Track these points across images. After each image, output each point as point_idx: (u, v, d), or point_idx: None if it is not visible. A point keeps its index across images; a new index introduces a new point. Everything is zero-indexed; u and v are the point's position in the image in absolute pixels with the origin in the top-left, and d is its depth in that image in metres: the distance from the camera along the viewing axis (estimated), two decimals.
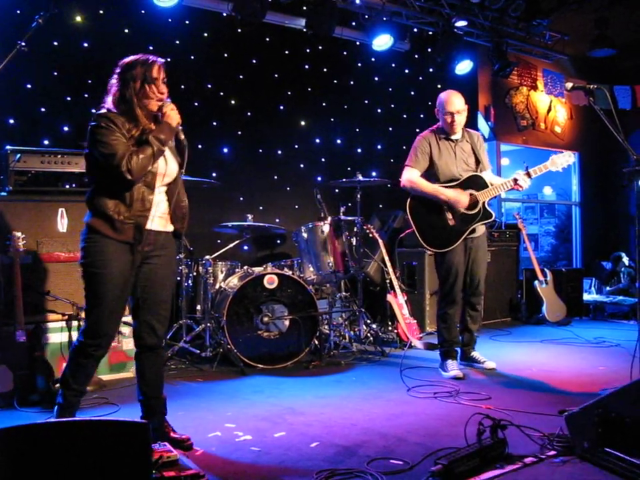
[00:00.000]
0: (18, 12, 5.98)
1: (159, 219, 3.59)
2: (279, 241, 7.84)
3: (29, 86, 6.14)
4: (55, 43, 6.32)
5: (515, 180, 5.22)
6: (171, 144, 3.65)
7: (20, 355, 4.55)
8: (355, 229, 6.56)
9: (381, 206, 8.58)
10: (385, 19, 7.93)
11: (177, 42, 7.11)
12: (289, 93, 7.96)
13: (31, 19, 4.46)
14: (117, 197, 3.40)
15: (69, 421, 2.62)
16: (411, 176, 5.35)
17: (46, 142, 6.11)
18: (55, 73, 6.29)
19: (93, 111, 3.51)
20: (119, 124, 3.39)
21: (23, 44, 4.39)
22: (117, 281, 3.41)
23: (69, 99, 6.38)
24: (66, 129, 6.33)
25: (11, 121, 6.04)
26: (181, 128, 3.64)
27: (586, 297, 9.15)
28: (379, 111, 8.79)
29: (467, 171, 5.33)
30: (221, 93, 7.46)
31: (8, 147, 5.23)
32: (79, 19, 6.45)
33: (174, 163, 3.63)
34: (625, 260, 9.74)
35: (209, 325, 5.81)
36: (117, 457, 2.37)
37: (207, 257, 6.11)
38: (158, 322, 3.62)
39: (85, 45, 6.50)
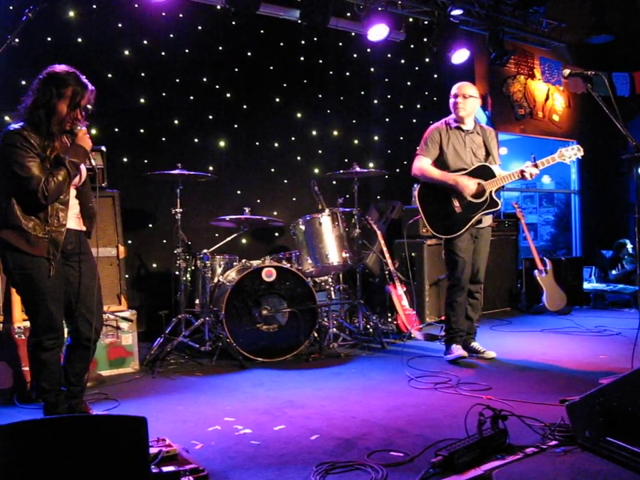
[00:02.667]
0: (11, 8, 5.94)
1: (75, 219, 3.70)
2: (276, 234, 7.81)
3: (23, 82, 6.09)
4: (49, 39, 6.28)
5: (522, 172, 5.23)
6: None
7: (20, 351, 4.55)
8: (353, 221, 6.53)
9: (378, 197, 8.56)
10: (380, 8, 7.88)
11: (171, 35, 7.06)
12: (285, 85, 7.92)
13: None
14: (32, 212, 3.47)
15: (66, 416, 2.60)
16: (422, 164, 5.41)
17: None
18: None
19: (14, 126, 3.48)
20: (34, 142, 3.41)
21: (13, 39, 4.34)
22: (48, 280, 3.53)
23: None
24: None
25: (6, 118, 5.99)
26: (92, 153, 3.68)
27: (586, 285, 9.13)
28: (375, 102, 8.76)
29: (476, 160, 5.41)
30: (217, 87, 7.42)
31: None
32: (72, 14, 6.41)
33: (83, 169, 3.69)
34: (629, 247, 9.71)
35: (207, 319, 5.79)
36: (115, 452, 2.35)
37: (205, 250, 6.08)
38: (91, 313, 3.67)
39: (79, 40, 6.46)
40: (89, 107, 3.63)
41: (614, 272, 9.66)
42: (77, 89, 3.51)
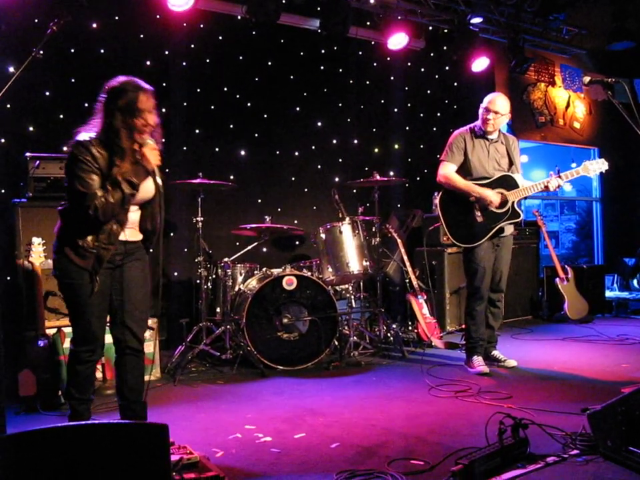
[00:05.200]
0: (36, 21, 6.01)
1: (130, 230, 3.64)
2: (297, 242, 7.83)
3: (47, 93, 6.18)
4: (72, 50, 6.35)
5: (547, 184, 5.22)
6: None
7: (43, 358, 4.59)
8: (374, 229, 6.54)
9: (399, 205, 8.55)
10: (399, 17, 7.89)
11: (192, 46, 7.12)
12: (305, 94, 7.95)
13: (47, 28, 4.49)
14: (86, 223, 3.39)
15: (88, 424, 2.63)
16: (447, 171, 5.39)
17: (65, 148, 6.13)
18: (73, 80, 6.32)
19: (83, 137, 3.41)
20: (99, 156, 3.34)
21: (38, 51, 4.40)
22: (90, 289, 3.46)
23: (86, 105, 6.37)
24: None
25: (30, 128, 6.08)
26: (158, 170, 3.53)
27: (608, 293, 9.06)
28: (396, 110, 8.75)
29: (499, 170, 5.40)
30: (237, 96, 7.46)
31: (27, 154, 5.31)
32: (94, 25, 6.48)
33: (150, 183, 3.56)
34: None
35: (228, 327, 5.82)
36: (137, 460, 2.37)
37: (226, 259, 6.12)
38: (134, 322, 3.63)
39: (101, 51, 6.53)
40: (151, 108, 3.46)
41: (636, 280, 9.57)
42: (131, 95, 3.39)
